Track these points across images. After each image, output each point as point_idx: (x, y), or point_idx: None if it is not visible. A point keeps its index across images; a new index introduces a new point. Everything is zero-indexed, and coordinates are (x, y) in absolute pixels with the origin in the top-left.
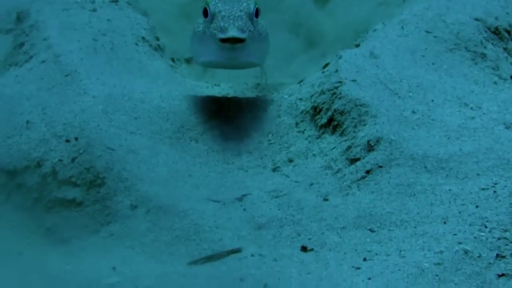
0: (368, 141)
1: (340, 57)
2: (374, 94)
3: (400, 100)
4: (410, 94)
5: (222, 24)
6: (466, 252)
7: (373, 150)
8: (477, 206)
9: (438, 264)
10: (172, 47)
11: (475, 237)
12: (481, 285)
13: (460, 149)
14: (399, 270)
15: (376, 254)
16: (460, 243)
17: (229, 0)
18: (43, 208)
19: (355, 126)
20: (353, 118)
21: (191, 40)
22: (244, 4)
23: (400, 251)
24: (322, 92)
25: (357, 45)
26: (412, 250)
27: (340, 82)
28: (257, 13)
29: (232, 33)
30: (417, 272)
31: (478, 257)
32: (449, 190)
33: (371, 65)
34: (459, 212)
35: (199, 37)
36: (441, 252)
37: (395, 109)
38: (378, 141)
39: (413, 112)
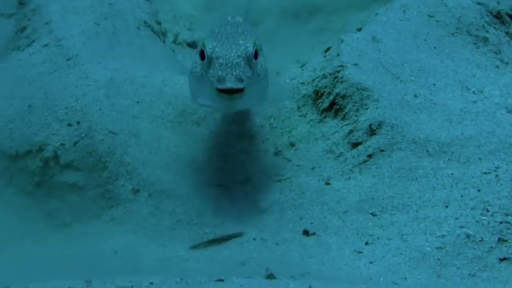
0: (370, 125)
1: (342, 41)
2: (376, 78)
3: (402, 84)
4: (412, 78)
5: (220, 73)
6: (468, 236)
7: (375, 134)
8: (479, 190)
9: (440, 248)
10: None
11: (477, 221)
12: (483, 269)
13: (462, 133)
14: (401, 254)
15: (378, 238)
16: (462, 227)
17: (227, 41)
18: (45, 192)
19: (357, 110)
20: (355, 102)
21: (188, 78)
22: (242, 48)
23: (402, 235)
24: (324, 76)
25: (359, 29)
26: (414, 234)
27: (342, 66)
28: (256, 54)
29: (230, 84)
30: (419, 256)
31: (480, 241)
32: (451, 174)
33: (373, 49)
34: (461, 196)
35: (196, 78)
36: (443, 236)
37: (397, 93)
38: (380, 125)
39: (415, 96)
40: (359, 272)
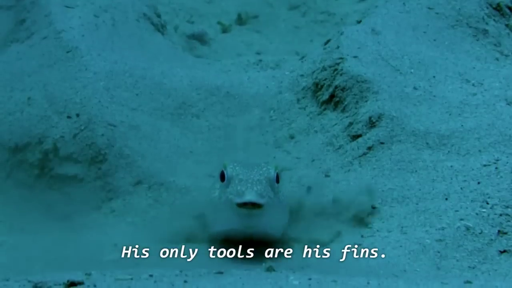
0: (370, 118)
1: (342, 34)
2: (376, 71)
3: (402, 76)
4: (412, 70)
5: (239, 187)
6: (467, 228)
7: (374, 126)
8: (478, 183)
9: (440, 240)
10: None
11: (476, 214)
12: (483, 261)
13: (462, 126)
14: (401, 246)
15: (377, 230)
16: (461, 219)
17: (249, 164)
18: (44, 185)
19: (357, 102)
20: (355, 95)
21: (205, 208)
22: (264, 169)
23: (402, 227)
24: (324, 69)
25: (359, 22)
26: (413, 227)
27: (342, 58)
28: (277, 178)
29: (250, 197)
30: (419, 249)
31: (480, 233)
32: (451, 166)
33: (372, 41)
34: (461, 189)
35: (214, 204)
36: (443, 228)
37: (396, 86)
38: (379, 117)
39: (415, 88)
40: (358, 264)
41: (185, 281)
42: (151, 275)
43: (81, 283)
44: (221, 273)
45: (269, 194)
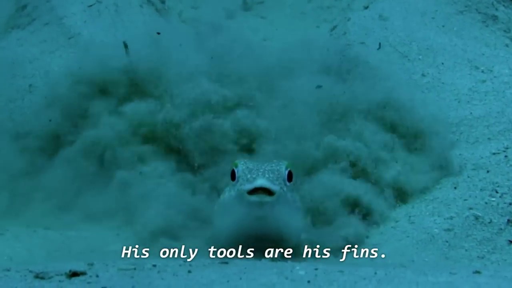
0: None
1: (349, 19)
2: (383, 57)
3: (410, 63)
4: (420, 57)
5: (249, 176)
6: (476, 217)
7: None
8: (488, 171)
9: (448, 230)
10: None
11: (486, 203)
12: (492, 251)
13: (471, 113)
14: (408, 236)
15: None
16: (470, 208)
17: (260, 162)
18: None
19: None
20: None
21: (213, 215)
22: (274, 164)
23: (410, 217)
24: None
25: (366, 7)
26: (421, 216)
27: (349, 44)
28: (290, 176)
29: (261, 181)
30: (427, 238)
31: (489, 222)
32: (460, 154)
33: (380, 27)
34: (470, 177)
35: (223, 205)
36: (451, 218)
37: (404, 72)
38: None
39: (423, 75)
40: (365, 254)
41: (189, 271)
42: (154, 265)
43: (83, 273)
44: (226, 263)
45: (281, 186)
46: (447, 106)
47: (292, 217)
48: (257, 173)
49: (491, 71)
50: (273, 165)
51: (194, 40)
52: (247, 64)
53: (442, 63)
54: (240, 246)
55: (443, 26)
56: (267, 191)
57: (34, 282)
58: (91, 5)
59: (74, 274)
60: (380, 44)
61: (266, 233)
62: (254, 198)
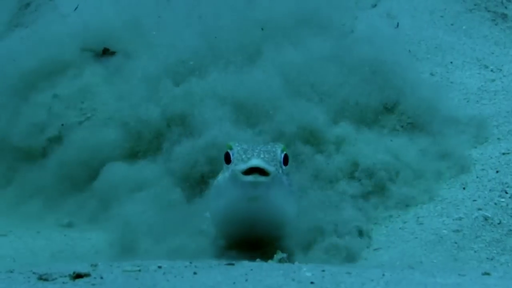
0: (385, 104)
1: (356, 18)
2: (391, 56)
3: (418, 62)
4: (428, 56)
5: (244, 156)
6: (486, 218)
7: (390, 113)
8: (497, 171)
9: (457, 231)
10: None
11: (495, 203)
12: (501, 252)
13: (480, 113)
14: (416, 238)
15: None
16: (479, 209)
17: (255, 143)
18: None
19: None
20: None
21: (209, 199)
22: (269, 147)
23: (418, 217)
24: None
25: (374, 5)
26: (430, 217)
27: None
28: (286, 160)
29: (256, 161)
30: (435, 240)
31: (498, 223)
32: (469, 154)
33: (388, 26)
34: (479, 178)
35: (217, 187)
36: (460, 218)
37: (412, 71)
38: (395, 104)
39: (432, 74)
40: (373, 255)
41: (195, 273)
42: (159, 267)
43: (87, 275)
44: (232, 264)
45: (277, 168)
46: (456, 106)
47: (287, 201)
48: (252, 153)
49: (501, 70)
50: (269, 147)
51: None
52: None
53: (451, 62)
54: (233, 236)
55: (452, 24)
56: (262, 172)
57: (38, 284)
58: None
59: (78, 276)
60: (398, 23)
61: (259, 217)
62: (248, 178)
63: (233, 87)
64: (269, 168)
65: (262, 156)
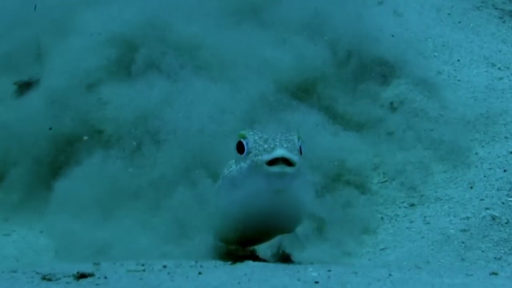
0: (391, 103)
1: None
2: (398, 54)
3: (425, 60)
4: (435, 54)
5: (266, 146)
6: (493, 218)
7: (396, 111)
8: (505, 170)
9: (465, 230)
10: None
11: (503, 203)
12: (509, 252)
13: (487, 111)
14: (423, 237)
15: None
16: (487, 208)
17: (271, 132)
18: None
19: (378, 86)
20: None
21: (215, 196)
22: (287, 135)
23: (425, 217)
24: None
25: (380, 3)
26: (437, 216)
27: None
28: (301, 150)
29: (281, 151)
30: (443, 239)
31: (506, 223)
32: (476, 153)
33: (394, 23)
34: (486, 177)
35: (231, 180)
36: (468, 218)
37: (419, 70)
38: (401, 102)
39: (439, 72)
40: (379, 255)
41: (200, 273)
42: (164, 266)
43: (91, 275)
44: (237, 264)
45: (299, 157)
46: (463, 104)
47: (306, 192)
48: (274, 142)
49: (508, 68)
50: (287, 135)
51: None
52: None
53: (458, 60)
54: (246, 232)
55: (459, 22)
56: (287, 162)
57: (41, 284)
58: None
59: (82, 276)
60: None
61: (282, 210)
62: (275, 169)
63: None
64: (295, 158)
65: (285, 145)
